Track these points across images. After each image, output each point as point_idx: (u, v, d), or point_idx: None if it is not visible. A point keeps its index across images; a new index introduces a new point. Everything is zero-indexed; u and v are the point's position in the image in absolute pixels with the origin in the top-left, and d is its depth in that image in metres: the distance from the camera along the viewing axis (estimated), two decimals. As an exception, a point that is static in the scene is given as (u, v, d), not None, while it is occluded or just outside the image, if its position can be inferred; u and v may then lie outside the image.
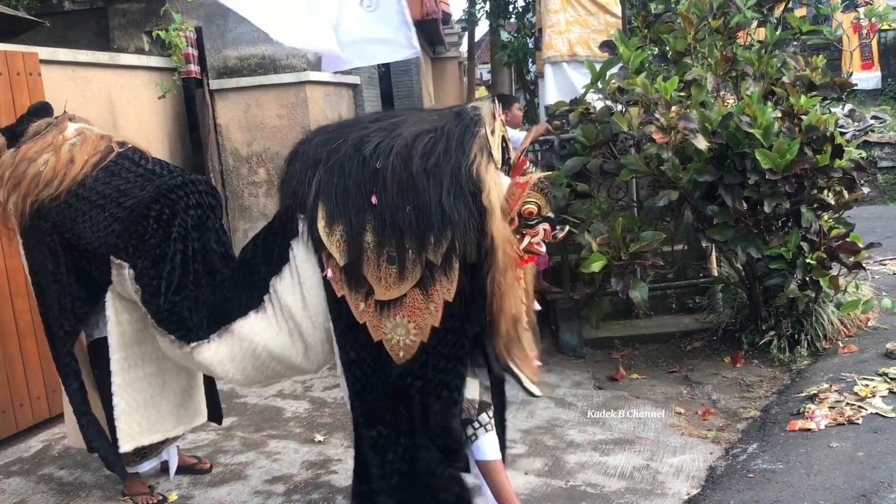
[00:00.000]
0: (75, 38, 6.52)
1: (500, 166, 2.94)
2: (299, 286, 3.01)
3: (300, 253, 3.00)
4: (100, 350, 3.48)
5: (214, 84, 6.44)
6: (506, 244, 2.83)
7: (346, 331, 2.94)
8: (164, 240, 3.13)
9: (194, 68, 6.31)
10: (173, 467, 3.97)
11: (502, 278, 2.83)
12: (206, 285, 3.17)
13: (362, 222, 2.84)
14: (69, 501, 3.86)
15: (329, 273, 2.88)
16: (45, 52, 5.15)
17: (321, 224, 2.88)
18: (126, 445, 3.44)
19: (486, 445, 3.13)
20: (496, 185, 2.86)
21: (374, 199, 2.84)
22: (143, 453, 3.72)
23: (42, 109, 3.65)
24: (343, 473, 3.96)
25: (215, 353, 3.09)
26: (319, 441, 4.40)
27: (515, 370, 3.14)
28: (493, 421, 3.17)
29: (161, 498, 3.80)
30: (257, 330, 3.05)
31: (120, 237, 3.16)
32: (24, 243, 3.46)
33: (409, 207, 2.81)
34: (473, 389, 3.14)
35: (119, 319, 3.37)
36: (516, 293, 2.91)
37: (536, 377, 3.20)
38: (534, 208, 2.94)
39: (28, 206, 3.30)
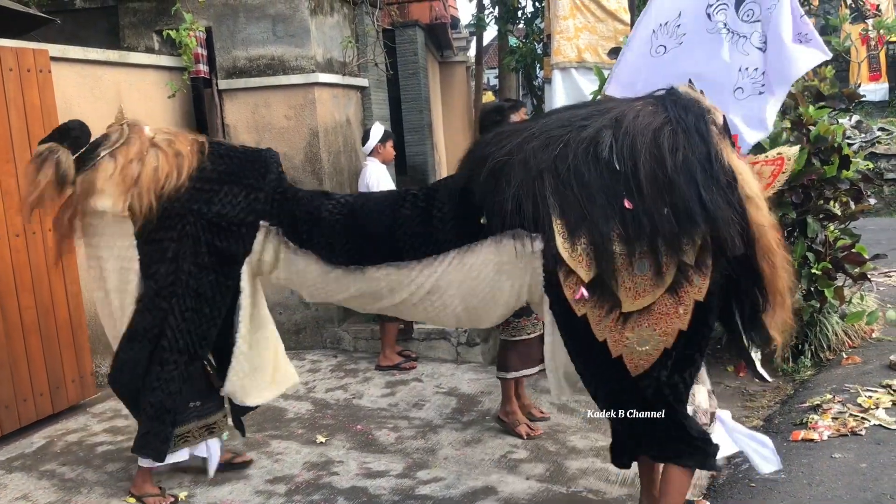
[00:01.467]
0: (86, 36, 6.53)
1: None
2: (462, 274, 3.01)
3: (482, 253, 2.95)
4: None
5: (223, 84, 6.45)
6: (771, 228, 2.72)
7: (582, 350, 2.83)
8: (293, 198, 3.46)
9: (203, 68, 6.33)
10: (214, 463, 3.93)
11: (774, 259, 2.73)
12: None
13: (609, 230, 2.66)
14: (71, 497, 3.87)
15: (583, 292, 2.71)
16: (55, 50, 5.16)
17: (559, 239, 2.71)
18: (251, 400, 3.81)
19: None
20: (747, 171, 2.74)
21: (627, 204, 2.66)
22: (178, 441, 3.71)
23: (72, 127, 3.65)
24: (344, 475, 3.97)
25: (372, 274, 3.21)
26: (321, 442, 4.40)
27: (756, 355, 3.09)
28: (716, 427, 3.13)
29: (173, 499, 3.77)
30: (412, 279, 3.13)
31: (265, 203, 3.45)
32: (147, 238, 3.50)
33: (666, 209, 2.64)
34: (704, 398, 3.06)
35: (251, 290, 3.60)
36: (787, 268, 2.81)
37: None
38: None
39: (154, 197, 3.41)
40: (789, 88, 4.14)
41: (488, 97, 22.15)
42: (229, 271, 3.53)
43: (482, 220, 2.93)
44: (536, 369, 4.36)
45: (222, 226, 3.46)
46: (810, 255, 4.81)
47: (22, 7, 5.38)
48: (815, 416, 4.14)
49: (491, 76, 24.80)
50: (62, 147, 3.46)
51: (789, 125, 4.83)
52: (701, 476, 3.77)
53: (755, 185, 2.74)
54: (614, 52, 5.65)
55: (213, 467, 3.92)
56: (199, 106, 6.56)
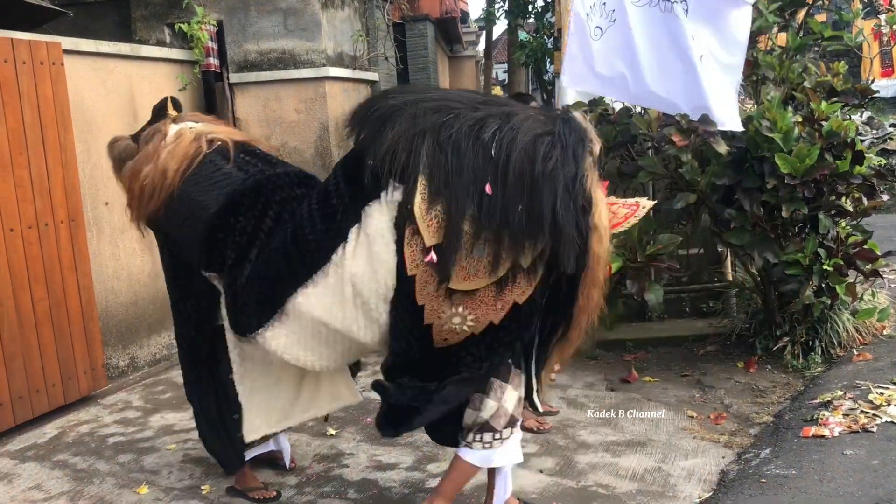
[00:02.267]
0: (97, 29, 6.56)
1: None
2: (367, 250, 2.86)
3: (375, 216, 2.85)
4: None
5: (234, 78, 6.47)
6: (604, 264, 2.83)
7: (399, 306, 2.88)
8: (240, 249, 3.10)
9: (214, 62, 6.35)
10: (288, 456, 3.94)
11: (594, 292, 2.84)
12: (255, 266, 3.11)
13: (465, 208, 2.71)
14: (83, 488, 3.89)
15: (428, 257, 2.73)
16: (68, 43, 5.19)
17: (419, 198, 2.73)
18: (251, 436, 3.50)
19: (495, 457, 3.16)
20: (603, 204, 2.83)
21: (488, 189, 2.71)
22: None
23: (162, 108, 3.61)
24: (355, 467, 3.98)
25: (276, 338, 3.05)
26: (332, 435, 4.42)
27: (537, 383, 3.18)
28: (514, 436, 3.19)
29: (276, 493, 3.71)
30: (314, 303, 2.95)
31: (200, 250, 3.18)
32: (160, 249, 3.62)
33: (521, 207, 2.70)
34: (512, 402, 3.13)
35: None
36: (596, 308, 2.92)
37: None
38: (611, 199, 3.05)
39: (142, 216, 3.39)
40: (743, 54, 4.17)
41: (497, 92, 22.13)
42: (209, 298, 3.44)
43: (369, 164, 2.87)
44: None
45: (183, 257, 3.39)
46: (822, 252, 4.79)
47: (35, 0, 5.40)
48: (826, 413, 4.13)
49: (500, 71, 24.79)
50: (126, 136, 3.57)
51: (801, 120, 4.81)
52: (710, 472, 3.77)
53: (605, 219, 2.83)
54: (626, 47, 5.62)
55: (288, 459, 3.95)
56: (211, 100, 6.58)
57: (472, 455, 3.15)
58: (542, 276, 2.81)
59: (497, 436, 3.11)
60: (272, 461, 3.99)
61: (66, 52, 5.08)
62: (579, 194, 2.75)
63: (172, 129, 3.44)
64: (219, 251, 3.14)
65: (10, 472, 4.11)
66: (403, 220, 2.79)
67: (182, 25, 6.00)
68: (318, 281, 2.94)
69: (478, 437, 3.12)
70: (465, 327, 2.83)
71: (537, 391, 3.22)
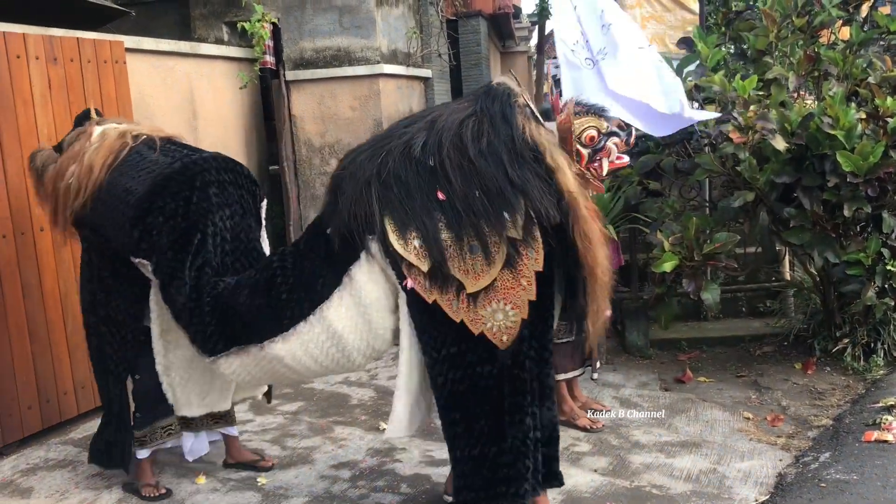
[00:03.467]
0: (158, 28, 6.71)
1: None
2: (360, 308, 2.97)
3: (362, 276, 2.95)
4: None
5: (290, 75, 6.55)
6: (582, 195, 2.86)
7: (441, 328, 2.89)
8: (173, 232, 3.12)
9: (270, 59, 6.44)
10: (188, 448, 3.90)
11: (587, 227, 2.85)
12: (221, 295, 3.09)
13: (434, 222, 2.83)
14: (112, 486, 3.93)
15: (410, 283, 2.83)
16: (130, 41, 5.30)
17: (393, 237, 2.84)
18: (181, 410, 3.65)
19: None
20: (552, 144, 2.90)
21: (440, 195, 2.84)
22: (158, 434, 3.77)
23: (85, 117, 3.76)
24: (407, 462, 4.01)
25: (230, 366, 3.12)
26: (384, 429, 4.44)
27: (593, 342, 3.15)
28: None
29: (165, 491, 3.79)
30: (283, 353, 3.01)
31: (130, 236, 3.20)
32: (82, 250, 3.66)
33: (478, 192, 2.82)
34: None
35: (162, 309, 3.40)
36: (603, 244, 2.92)
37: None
38: (593, 132, 3.00)
39: (69, 217, 3.47)
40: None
41: (548, 87, 21.96)
42: (139, 292, 3.48)
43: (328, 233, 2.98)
44: (580, 371, 4.48)
45: (112, 251, 3.41)
46: (885, 252, 4.67)
47: (98, 0, 5.54)
48: (890, 417, 4.03)
49: (552, 66, 24.59)
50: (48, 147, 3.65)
51: (865, 117, 4.69)
52: (767, 474, 3.71)
53: (559, 155, 2.88)
54: (683, 42, 5.56)
55: (187, 450, 3.91)
56: (267, 96, 6.68)
57: None
58: (544, 237, 2.83)
59: None
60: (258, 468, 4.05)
61: (129, 50, 5.20)
62: (524, 149, 2.85)
63: (97, 130, 3.55)
64: (149, 234, 3.16)
65: (74, 460, 4.23)
66: (396, 262, 2.87)
67: (244, 24, 6.08)
68: (289, 338, 3.00)
69: None
70: (510, 319, 2.85)
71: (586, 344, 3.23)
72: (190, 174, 3.21)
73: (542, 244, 2.83)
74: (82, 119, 3.78)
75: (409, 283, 2.84)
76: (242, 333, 3.05)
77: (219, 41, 6.65)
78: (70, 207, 3.42)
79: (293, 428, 4.56)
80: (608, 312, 3.21)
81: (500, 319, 2.84)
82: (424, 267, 2.83)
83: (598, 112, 3.06)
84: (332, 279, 2.97)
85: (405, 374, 3.06)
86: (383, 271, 2.95)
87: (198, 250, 3.12)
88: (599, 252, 2.89)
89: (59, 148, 3.70)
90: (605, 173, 3.06)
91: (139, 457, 3.80)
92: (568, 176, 2.86)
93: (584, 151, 3.01)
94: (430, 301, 2.85)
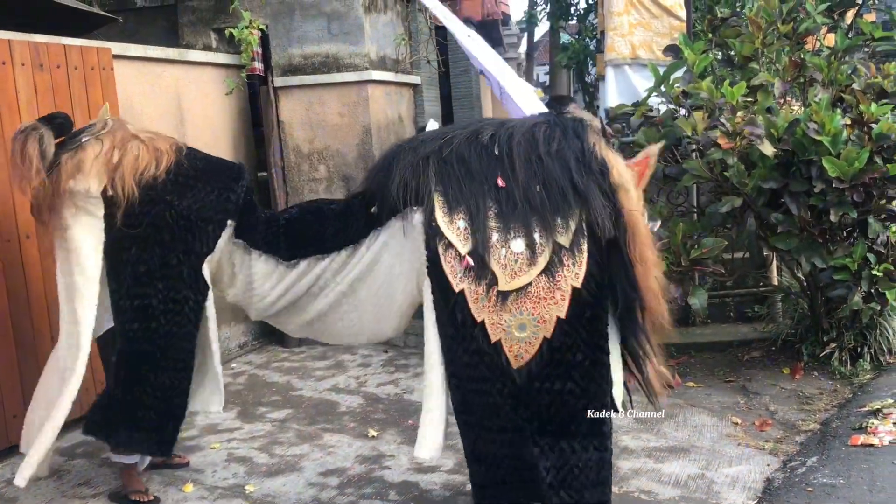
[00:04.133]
0: (146, 35, 6.68)
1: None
2: (374, 271, 3.16)
3: (383, 239, 3.10)
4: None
5: (278, 81, 6.54)
6: (642, 219, 2.85)
7: (457, 332, 2.84)
8: (248, 199, 3.61)
9: (259, 66, 6.43)
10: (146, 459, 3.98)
11: (646, 251, 2.82)
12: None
13: (486, 207, 2.80)
14: (98, 495, 3.91)
15: (465, 262, 2.77)
16: (117, 48, 5.28)
17: (439, 213, 2.83)
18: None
19: None
20: (619, 162, 2.89)
21: (500, 182, 2.81)
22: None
23: (65, 118, 3.79)
24: (396, 469, 4.00)
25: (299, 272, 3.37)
26: (373, 436, 4.44)
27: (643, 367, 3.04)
28: None
29: (154, 498, 3.78)
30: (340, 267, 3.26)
31: (234, 204, 3.55)
32: (122, 223, 3.52)
33: (538, 186, 2.79)
34: None
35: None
36: (658, 272, 2.90)
37: (661, 389, 3.10)
38: None
39: (136, 182, 3.49)
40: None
41: (538, 94, 22.06)
42: (194, 267, 3.56)
43: (373, 210, 3.14)
44: None
45: (191, 219, 3.52)
46: (871, 257, 4.70)
47: (86, 6, 5.53)
48: (876, 421, 4.05)
49: (541, 73, 24.68)
50: (44, 126, 3.56)
51: (850, 122, 4.72)
52: (755, 479, 3.72)
53: (627, 174, 2.88)
54: (670, 50, 5.58)
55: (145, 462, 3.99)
56: (255, 103, 6.66)
57: None
58: (590, 253, 2.77)
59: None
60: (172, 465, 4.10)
61: (116, 57, 5.18)
62: (592, 160, 2.84)
63: (128, 125, 3.73)
64: (237, 200, 3.56)
65: (61, 468, 4.20)
66: (433, 239, 2.84)
67: (233, 30, 6.06)
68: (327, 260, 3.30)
69: None
70: (532, 334, 2.75)
71: (645, 384, 3.09)
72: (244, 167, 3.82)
73: (587, 260, 2.77)
74: (60, 117, 3.78)
75: (468, 260, 2.77)
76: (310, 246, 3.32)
77: (207, 48, 6.64)
78: (138, 174, 3.51)
79: (281, 436, 4.55)
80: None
81: (522, 334, 2.76)
82: (464, 249, 2.77)
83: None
84: (357, 234, 3.18)
85: (436, 389, 3.04)
86: (415, 247, 2.95)
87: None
88: (653, 279, 2.84)
89: (61, 143, 3.62)
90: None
91: (126, 462, 3.77)
92: (632, 195, 2.85)
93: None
94: (457, 290, 2.78)
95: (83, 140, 3.54)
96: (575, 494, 2.88)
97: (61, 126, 3.63)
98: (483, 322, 2.77)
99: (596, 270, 2.79)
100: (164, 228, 3.51)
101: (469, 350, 2.83)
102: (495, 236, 2.76)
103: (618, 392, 2.99)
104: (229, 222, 3.55)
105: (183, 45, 6.63)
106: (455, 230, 2.80)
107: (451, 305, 2.82)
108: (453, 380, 2.94)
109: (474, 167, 2.85)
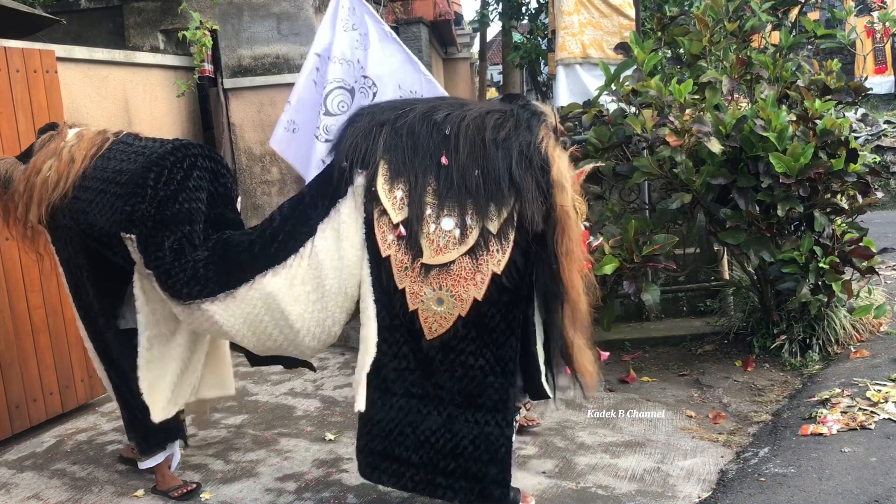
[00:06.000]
0: (91, 37, 6.56)
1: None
2: (339, 243, 3.00)
3: (346, 210, 3.00)
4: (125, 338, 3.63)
5: (228, 83, 6.47)
6: (573, 217, 2.87)
7: (383, 295, 2.96)
8: (161, 204, 3.21)
9: (208, 67, 6.35)
10: (176, 461, 3.98)
11: (574, 248, 2.87)
12: (216, 245, 3.19)
13: (425, 182, 2.89)
14: (82, 496, 3.88)
15: (397, 231, 2.88)
16: (61, 50, 5.18)
17: (381, 180, 2.92)
18: (157, 416, 3.57)
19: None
20: (563, 161, 2.92)
21: (444, 160, 2.89)
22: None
23: (51, 128, 3.76)
24: (354, 472, 3.95)
25: (223, 311, 3.09)
26: (330, 440, 4.41)
27: (571, 362, 3.07)
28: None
29: (196, 485, 3.83)
30: (272, 289, 3.03)
31: (121, 212, 3.27)
32: (54, 247, 3.63)
33: (477, 171, 2.86)
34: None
35: (147, 298, 3.45)
36: (582, 268, 2.93)
37: (593, 382, 3.14)
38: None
39: (44, 211, 3.45)
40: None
41: (492, 93, 22.14)
42: (119, 282, 3.52)
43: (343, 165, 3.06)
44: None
45: (95, 237, 3.43)
46: (817, 250, 4.80)
47: (27, 8, 5.40)
48: (824, 411, 4.13)
49: (495, 72, 24.79)
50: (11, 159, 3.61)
51: (795, 119, 4.82)
52: (709, 471, 3.77)
53: (567, 173, 2.92)
54: (620, 48, 5.65)
55: (175, 463, 3.96)
56: (205, 105, 6.58)
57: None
58: (516, 243, 2.85)
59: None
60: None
61: (60, 59, 5.07)
62: (535, 155, 2.88)
63: (71, 130, 3.62)
64: (139, 206, 3.23)
65: (8, 482, 4.10)
66: (370, 203, 2.95)
67: (187, 32, 5.96)
68: (279, 272, 3.04)
69: None
70: (448, 309, 2.88)
71: (552, 377, 3.20)
72: (181, 155, 3.34)
73: (513, 248, 2.86)
74: (45, 130, 3.77)
75: (401, 230, 2.87)
76: (234, 275, 3.08)
77: (154, 49, 6.53)
78: (48, 200, 3.43)
79: (237, 441, 4.49)
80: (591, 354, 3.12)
81: (440, 308, 2.88)
82: (396, 218, 2.89)
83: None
84: (322, 211, 3.04)
85: (371, 344, 3.06)
86: (359, 210, 3.00)
87: (180, 222, 3.21)
88: (576, 276, 2.90)
89: (26, 155, 3.68)
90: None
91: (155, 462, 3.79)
92: (567, 194, 2.89)
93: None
94: (384, 255, 2.91)
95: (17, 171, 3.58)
96: (472, 466, 3.02)
97: (26, 156, 3.65)
98: (404, 290, 2.91)
99: (521, 260, 2.89)
100: (76, 247, 3.51)
101: (391, 314, 2.98)
102: (428, 211, 2.88)
103: (546, 382, 3.14)
104: (123, 234, 3.27)
105: (129, 46, 6.52)
106: (392, 199, 2.91)
107: (378, 269, 2.95)
108: (382, 335, 3.05)
109: (422, 142, 2.94)
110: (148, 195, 3.22)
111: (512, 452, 3.14)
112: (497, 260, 2.85)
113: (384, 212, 2.91)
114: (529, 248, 2.90)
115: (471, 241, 2.84)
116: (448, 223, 2.86)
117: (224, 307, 3.10)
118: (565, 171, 2.91)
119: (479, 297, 2.86)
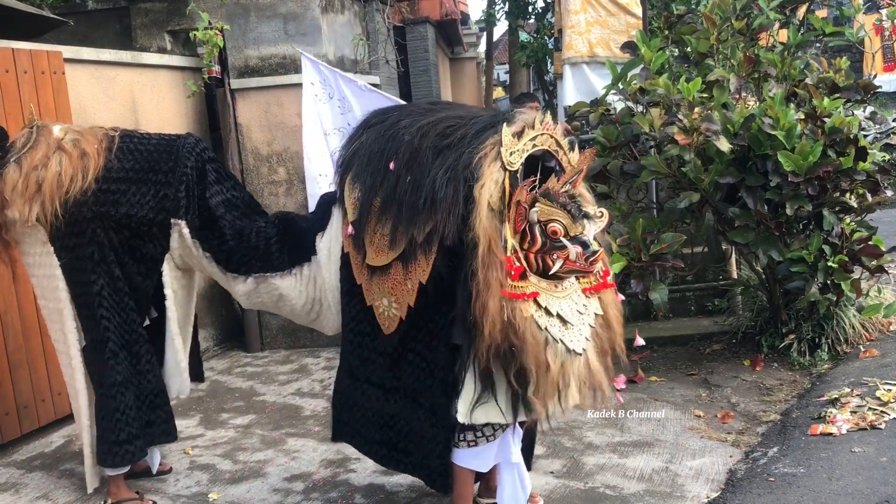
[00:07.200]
0: (98, 38, 6.57)
1: (516, 172, 2.83)
2: (330, 240, 3.30)
3: (337, 210, 3.27)
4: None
5: (235, 83, 6.46)
6: (490, 241, 2.72)
7: (352, 287, 3.15)
8: (204, 190, 3.51)
9: (216, 67, 6.35)
10: (156, 463, 3.97)
11: (482, 274, 2.71)
12: (280, 223, 3.54)
13: (376, 185, 3.00)
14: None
15: (349, 229, 3.10)
16: (69, 51, 5.19)
17: (347, 183, 3.11)
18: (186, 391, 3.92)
19: (483, 455, 3.10)
20: (494, 181, 2.76)
21: (391, 166, 2.97)
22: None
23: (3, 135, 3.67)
24: (361, 472, 3.97)
25: (248, 289, 3.52)
26: (338, 440, 4.40)
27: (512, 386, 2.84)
28: (497, 433, 3.08)
29: (152, 502, 3.76)
30: (284, 288, 3.44)
31: (173, 200, 3.46)
32: (58, 247, 3.49)
33: (409, 178, 2.92)
34: None
35: (177, 285, 3.68)
36: (497, 296, 2.69)
37: (542, 411, 2.87)
38: (559, 227, 2.76)
39: (59, 206, 3.37)
40: None
41: (499, 93, 22.11)
42: (151, 270, 3.58)
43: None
44: None
45: (132, 227, 3.48)
46: (826, 248, 4.78)
47: (35, 9, 5.41)
48: (834, 410, 4.11)
49: (501, 72, 24.76)
50: None
51: (803, 117, 4.80)
52: (718, 471, 3.76)
53: (487, 193, 2.74)
54: (627, 47, 5.63)
55: (155, 465, 3.99)
56: (212, 105, 6.58)
57: (459, 454, 3.08)
58: (442, 254, 2.81)
59: (479, 433, 3.05)
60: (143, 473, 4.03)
61: (68, 60, 5.08)
62: (464, 168, 2.81)
63: (55, 127, 3.56)
64: (187, 194, 3.50)
65: (17, 482, 4.11)
66: (340, 202, 3.20)
67: (197, 32, 5.94)
68: (295, 273, 3.44)
69: (461, 437, 3.06)
70: (392, 311, 3.00)
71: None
72: (203, 146, 3.63)
73: (436, 259, 2.83)
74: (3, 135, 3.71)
75: (350, 228, 3.09)
76: (295, 254, 3.44)
77: (161, 50, 6.54)
78: (62, 195, 3.38)
79: (245, 441, 4.49)
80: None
81: (385, 305, 3.02)
82: (350, 217, 3.08)
83: (573, 213, 2.79)
84: (327, 214, 3.36)
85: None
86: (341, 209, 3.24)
87: (228, 207, 3.58)
88: (490, 302, 2.67)
89: (4, 151, 3.54)
90: (552, 271, 2.78)
91: (110, 474, 3.71)
92: (483, 215, 2.71)
93: (540, 239, 2.77)
94: (346, 251, 3.14)
95: (5, 167, 3.41)
96: (420, 459, 3.13)
97: None
98: (361, 286, 3.08)
99: (445, 271, 2.86)
100: (107, 242, 3.47)
101: (356, 306, 3.15)
102: (374, 215, 2.99)
103: (462, 403, 2.91)
104: (174, 221, 3.46)
105: (136, 47, 6.52)
106: (352, 200, 3.08)
107: (347, 265, 3.15)
108: (349, 325, 3.24)
109: (383, 146, 3.04)
110: (193, 182, 3.49)
111: (466, 450, 3.05)
112: (422, 269, 2.88)
113: (345, 211, 3.12)
114: (452, 261, 2.84)
115: (400, 247, 2.90)
116: (386, 227, 2.94)
117: (288, 282, 3.45)
118: (486, 190, 2.73)
119: (412, 304, 2.94)
